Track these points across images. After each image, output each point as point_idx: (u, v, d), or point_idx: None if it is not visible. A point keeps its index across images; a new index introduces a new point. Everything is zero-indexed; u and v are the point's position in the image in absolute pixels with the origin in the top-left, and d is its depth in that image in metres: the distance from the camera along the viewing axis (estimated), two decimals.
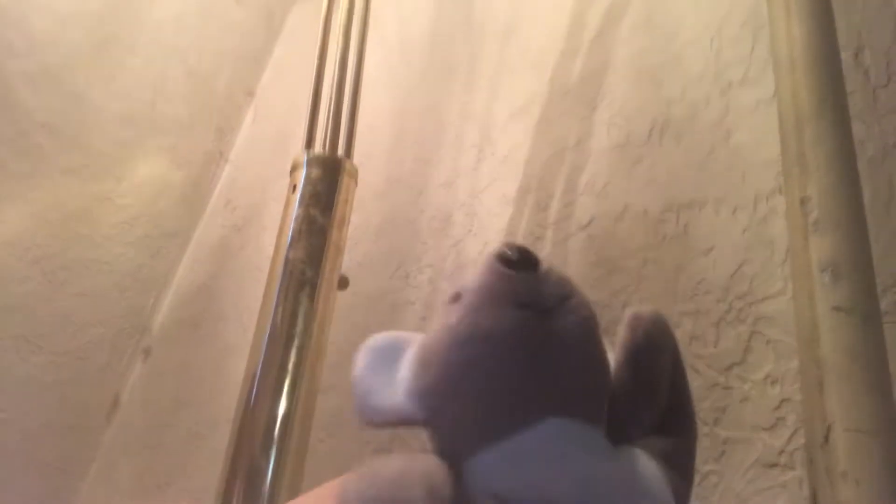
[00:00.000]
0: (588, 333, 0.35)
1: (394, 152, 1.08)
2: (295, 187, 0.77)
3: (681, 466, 0.39)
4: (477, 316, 0.34)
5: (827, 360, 0.45)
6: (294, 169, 0.79)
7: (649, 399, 0.39)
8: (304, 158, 0.78)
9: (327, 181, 0.77)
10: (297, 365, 0.68)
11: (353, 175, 0.80)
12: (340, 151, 0.81)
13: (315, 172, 0.77)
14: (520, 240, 0.82)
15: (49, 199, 1.12)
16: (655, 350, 0.39)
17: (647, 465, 0.36)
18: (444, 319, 0.36)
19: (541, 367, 0.33)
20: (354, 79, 0.86)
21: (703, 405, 0.57)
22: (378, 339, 0.40)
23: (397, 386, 0.36)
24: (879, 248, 0.52)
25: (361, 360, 0.39)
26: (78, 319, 1.15)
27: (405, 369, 0.37)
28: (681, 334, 0.60)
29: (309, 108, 0.84)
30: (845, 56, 0.62)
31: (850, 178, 0.52)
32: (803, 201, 0.52)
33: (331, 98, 0.83)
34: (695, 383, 0.57)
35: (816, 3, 0.59)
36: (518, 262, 0.34)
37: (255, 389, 0.67)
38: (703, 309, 0.61)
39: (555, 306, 0.34)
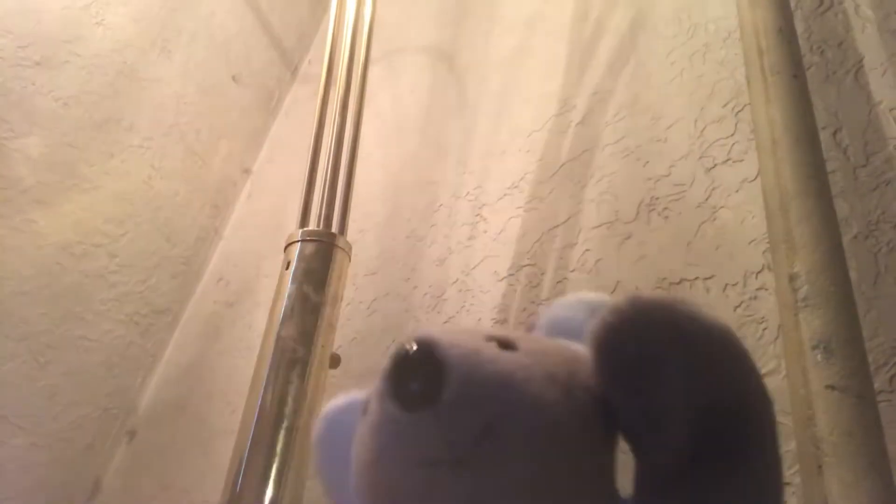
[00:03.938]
0: (517, 482, 0.26)
1: (387, 229, 1.09)
2: (289, 264, 0.77)
3: None
4: (376, 467, 0.29)
5: (824, 441, 0.45)
6: (288, 245, 0.79)
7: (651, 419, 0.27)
8: (299, 235, 0.79)
9: (321, 258, 0.77)
10: (286, 448, 0.66)
11: (347, 251, 0.81)
12: (335, 228, 0.81)
13: (309, 249, 0.78)
14: (512, 318, 0.82)
15: (42, 275, 1.12)
16: (635, 346, 0.27)
17: None
18: (356, 441, 0.32)
19: None
20: (350, 156, 0.88)
21: None
22: (330, 411, 0.37)
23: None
24: (869, 326, 0.52)
25: (318, 440, 0.37)
26: (63, 399, 1.12)
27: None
28: None
29: (304, 184, 0.85)
30: (824, 136, 0.64)
31: (836, 254, 0.53)
32: (792, 278, 0.52)
33: (326, 175, 0.85)
34: None
35: (792, 87, 0.62)
36: (418, 396, 0.28)
37: (241, 474, 0.65)
38: None
39: (467, 454, 0.26)
